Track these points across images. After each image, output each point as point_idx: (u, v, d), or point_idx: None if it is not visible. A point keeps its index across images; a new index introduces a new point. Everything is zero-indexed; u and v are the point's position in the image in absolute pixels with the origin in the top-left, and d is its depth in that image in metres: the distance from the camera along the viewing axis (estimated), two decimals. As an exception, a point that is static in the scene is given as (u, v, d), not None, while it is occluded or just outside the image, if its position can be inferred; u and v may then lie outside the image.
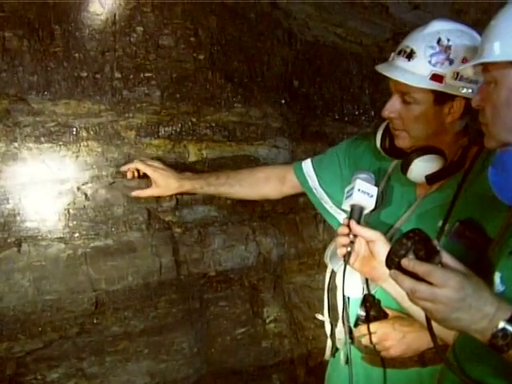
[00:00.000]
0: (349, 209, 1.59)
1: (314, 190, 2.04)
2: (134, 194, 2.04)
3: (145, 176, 2.01)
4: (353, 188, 1.58)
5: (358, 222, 1.54)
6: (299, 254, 2.57)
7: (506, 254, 1.23)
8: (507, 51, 1.16)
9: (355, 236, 1.52)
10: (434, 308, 1.09)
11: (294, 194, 2.18)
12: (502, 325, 1.06)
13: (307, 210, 2.53)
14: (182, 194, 2.11)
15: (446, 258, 1.14)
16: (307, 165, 2.07)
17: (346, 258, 1.52)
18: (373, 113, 2.73)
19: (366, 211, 1.58)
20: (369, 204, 1.57)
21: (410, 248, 1.13)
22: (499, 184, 1.20)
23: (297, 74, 2.52)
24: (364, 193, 1.56)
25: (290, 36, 2.49)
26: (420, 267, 1.10)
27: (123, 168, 2.02)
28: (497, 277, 1.23)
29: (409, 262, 1.11)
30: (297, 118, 2.52)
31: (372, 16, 2.68)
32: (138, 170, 2.01)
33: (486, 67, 1.23)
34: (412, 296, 1.11)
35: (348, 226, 1.52)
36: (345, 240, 1.53)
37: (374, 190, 1.58)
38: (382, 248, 1.47)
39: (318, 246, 2.60)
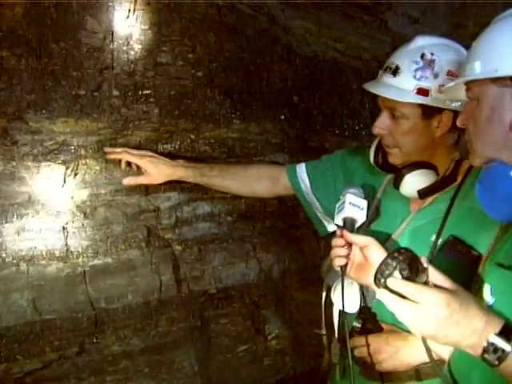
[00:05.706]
0: (341, 223, 1.64)
1: (306, 195, 2.07)
2: (125, 181, 2.01)
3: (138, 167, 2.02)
4: (344, 202, 1.64)
5: None
6: (300, 270, 2.55)
7: (494, 266, 1.26)
8: (487, 69, 1.20)
9: (350, 245, 1.56)
10: (422, 326, 1.11)
11: (285, 195, 2.20)
12: (491, 339, 1.08)
13: (308, 226, 2.51)
14: (174, 182, 2.09)
15: (434, 274, 1.16)
16: (301, 169, 2.09)
17: (343, 268, 1.56)
18: (373, 127, 2.72)
19: (357, 224, 1.63)
20: (360, 216, 1.63)
21: (395, 268, 1.15)
22: (486, 200, 1.24)
23: (296, 90, 2.51)
24: (355, 206, 1.63)
25: (289, 52, 2.49)
26: (404, 287, 1.12)
27: (110, 156, 1.99)
28: (486, 289, 1.25)
29: (394, 282, 1.13)
30: (296, 134, 2.51)
31: (371, 31, 2.70)
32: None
33: (468, 86, 1.28)
34: (399, 316, 1.13)
35: (341, 236, 1.56)
36: (340, 251, 1.56)
37: (364, 203, 1.64)
38: (376, 252, 1.50)
39: (320, 261, 2.58)
